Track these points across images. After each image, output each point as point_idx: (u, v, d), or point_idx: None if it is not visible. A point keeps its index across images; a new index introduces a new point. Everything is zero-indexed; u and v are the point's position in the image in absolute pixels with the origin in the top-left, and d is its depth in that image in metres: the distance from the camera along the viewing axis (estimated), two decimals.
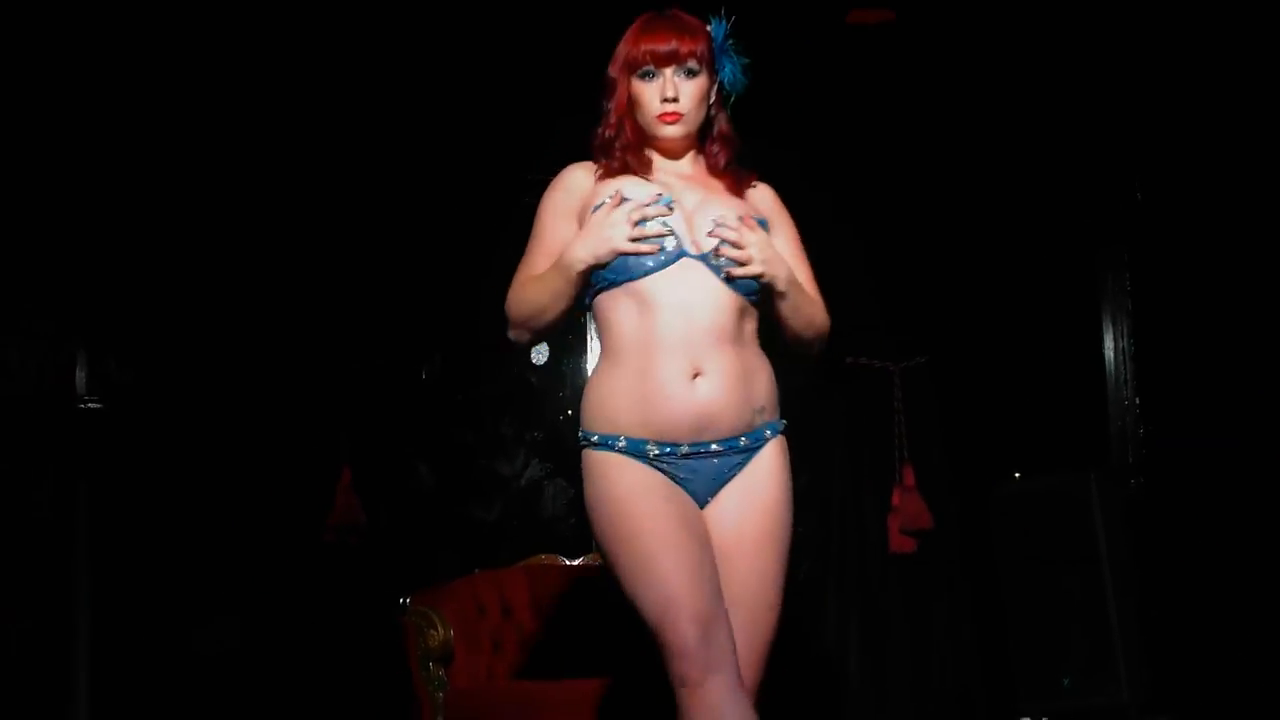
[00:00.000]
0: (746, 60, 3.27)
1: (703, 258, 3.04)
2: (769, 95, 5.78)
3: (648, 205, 3.03)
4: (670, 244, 3.04)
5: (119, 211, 5.78)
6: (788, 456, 3.18)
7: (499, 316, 5.88)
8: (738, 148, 3.29)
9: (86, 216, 5.65)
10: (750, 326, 3.13)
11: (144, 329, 5.86)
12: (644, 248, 3.00)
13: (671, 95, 3.13)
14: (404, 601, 5.28)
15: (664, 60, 3.12)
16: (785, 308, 3.14)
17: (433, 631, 5.14)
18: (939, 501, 6.04)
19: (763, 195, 3.31)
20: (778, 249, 3.15)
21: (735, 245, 3.03)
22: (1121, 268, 5.98)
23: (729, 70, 3.25)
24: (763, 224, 3.15)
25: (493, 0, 5.62)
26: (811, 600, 6.06)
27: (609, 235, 3.00)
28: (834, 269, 5.86)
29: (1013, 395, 6.02)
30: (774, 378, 3.17)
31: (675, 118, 3.15)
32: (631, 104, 3.18)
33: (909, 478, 6.03)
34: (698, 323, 3.02)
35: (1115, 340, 5.98)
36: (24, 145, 5.38)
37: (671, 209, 3.05)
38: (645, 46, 3.13)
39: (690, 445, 3.04)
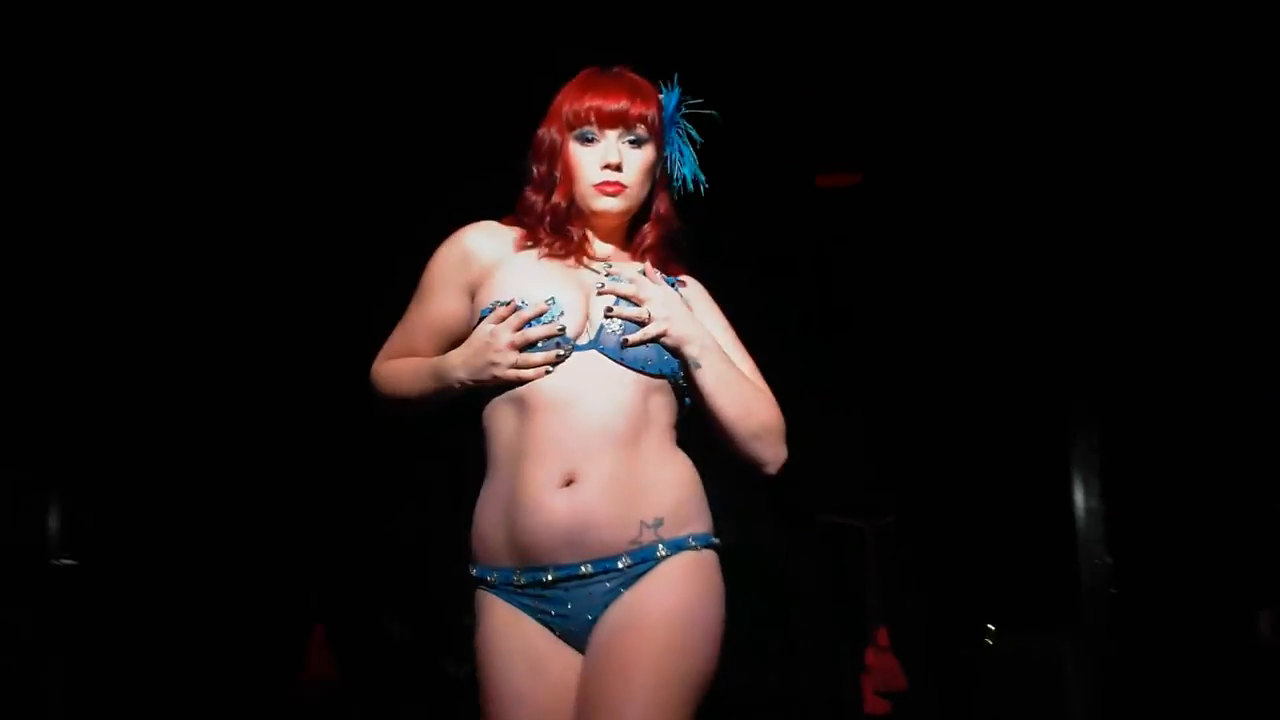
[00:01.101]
0: (698, 143, 2.79)
1: (593, 344, 2.57)
2: (740, 255, 5.95)
3: (535, 329, 2.54)
4: (565, 349, 2.55)
5: (95, 362, 5.81)
6: (705, 578, 2.55)
7: (472, 469, 5.89)
8: (673, 230, 2.77)
9: (63, 367, 5.67)
10: (659, 425, 2.59)
11: (117, 480, 5.87)
12: (528, 374, 2.53)
13: (615, 162, 2.65)
14: None
15: (610, 121, 2.67)
16: (708, 381, 2.60)
17: None
18: (913, 662, 6.01)
19: (690, 291, 2.76)
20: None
21: (632, 302, 2.58)
22: (1091, 428, 6.02)
23: (679, 149, 2.80)
24: (671, 283, 2.68)
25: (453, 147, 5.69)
26: None
27: (491, 360, 2.54)
28: (804, 429, 5.98)
29: (986, 555, 6.03)
30: (686, 482, 2.60)
31: (617, 189, 2.67)
32: (570, 168, 2.70)
33: (883, 638, 6.00)
34: (581, 423, 2.52)
35: (1086, 499, 6.01)
36: None
37: (563, 330, 2.54)
38: (590, 103, 2.67)
39: (556, 570, 2.50)
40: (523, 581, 2.52)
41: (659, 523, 2.51)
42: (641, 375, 2.57)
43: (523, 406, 2.54)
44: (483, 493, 2.59)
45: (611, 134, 2.65)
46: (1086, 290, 6.03)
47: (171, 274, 5.92)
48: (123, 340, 5.89)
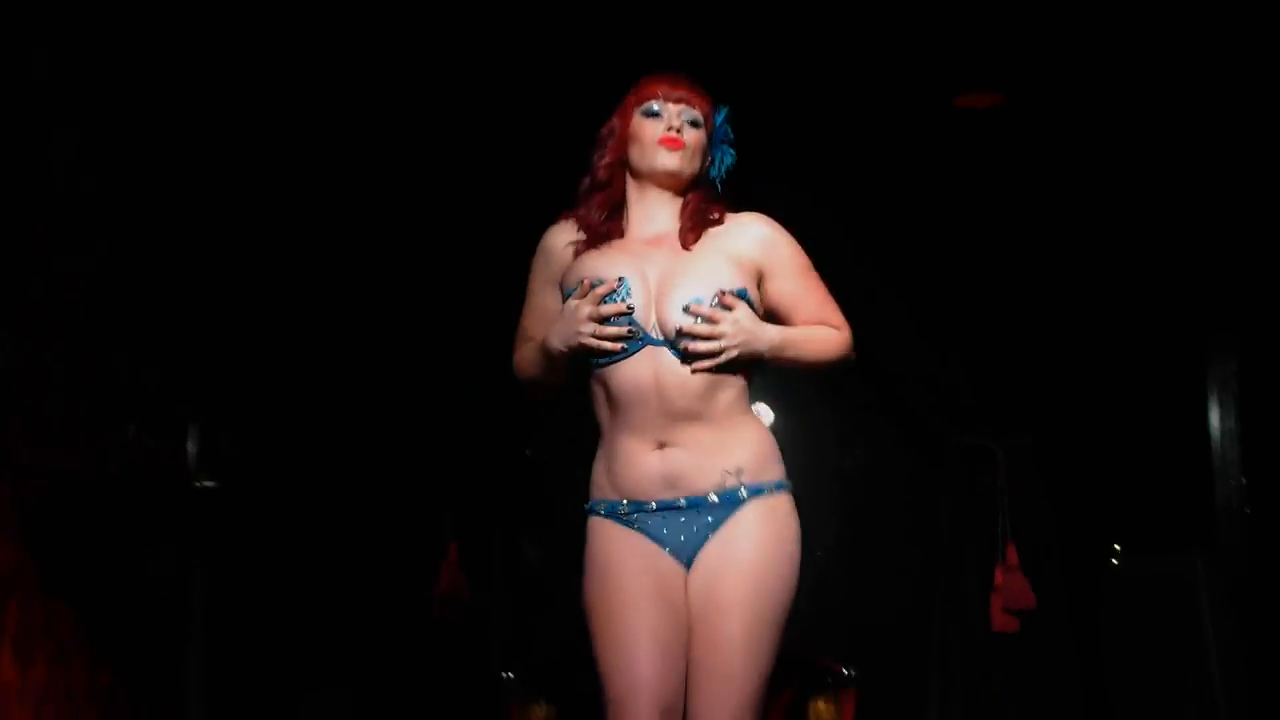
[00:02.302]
0: (732, 156, 3.28)
1: (666, 343, 3.06)
2: (877, 175, 5.88)
3: (606, 304, 3.06)
4: (637, 332, 3.06)
5: (231, 285, 5.83)
6: (780, 519, 3.10)
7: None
8: (709, 207, 3.23)
9: (195, 296, 5.70)
10: (726, 396, 3.10)
11: (254, 404, 5.91)
12: (607, 345, 3.05)
13: (677, 125, 3.17)
14: (507, 677, 5.29)
15: (674, 98, 3.20)
16: (781, 362, 3.16)
17: (535, 708, 5.15)
18: (1043, 580, 5.99)
19: (750, 231, 3.23)
20: (779, 289, 3.19)
21: (708, 336, 3.03)
22: (1229, 347, 5.93)
23: (718, 155, 3.28)
24: (742, 294, 3.10)
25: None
26: (912, 677, 6.03)
27: (576, 331, 3.06)
28: (942, 347, 5.93)
29: (1118, 475, 5.99)
30: (761, 440, 3.14)
31: (678, 144, 3.17)
32: (630, 142, 3.22)
33: (1012, 556, 5.98)
34: (661, 408, 3.04)
35: (1222, 419, 5.93)
36: (135, 224, 5.44)
37: (631, 309, 3.06)
38: (659, 86, 3.21)
39: (658, 502, 3.07)
40: (628, 509, 3.10)
41: (740, 470, 3.07)
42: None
43: (611, 392, 3.10)
44: (597, 454, 3.19)
45: (674, 108, 3.19)
46: (1229, 212, 5.92)
47: (305, 200, 5.94)
48: (260, 262, 5.92)
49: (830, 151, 5.67)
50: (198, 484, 5.51)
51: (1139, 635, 5.51)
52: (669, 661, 2.98)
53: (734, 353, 3.03)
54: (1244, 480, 5.91)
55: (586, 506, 3.19)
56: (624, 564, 3.07)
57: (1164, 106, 5.58)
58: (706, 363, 3.03)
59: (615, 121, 3.25)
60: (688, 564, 3.08)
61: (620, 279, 3.08)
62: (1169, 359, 6.04)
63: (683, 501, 3.05)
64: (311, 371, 6.07)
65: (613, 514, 3.12)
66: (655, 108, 3.19)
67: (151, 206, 5.27)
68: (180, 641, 5.40)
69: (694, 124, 3.19)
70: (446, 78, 5.50)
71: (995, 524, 6.07)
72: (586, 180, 3.25)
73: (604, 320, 3.05)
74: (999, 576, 5.99)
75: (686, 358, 3.04)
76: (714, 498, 3.05)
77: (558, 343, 3.12)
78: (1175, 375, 6.04)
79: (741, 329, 3.04)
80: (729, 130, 3.28)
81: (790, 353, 3.14)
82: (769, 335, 3.10)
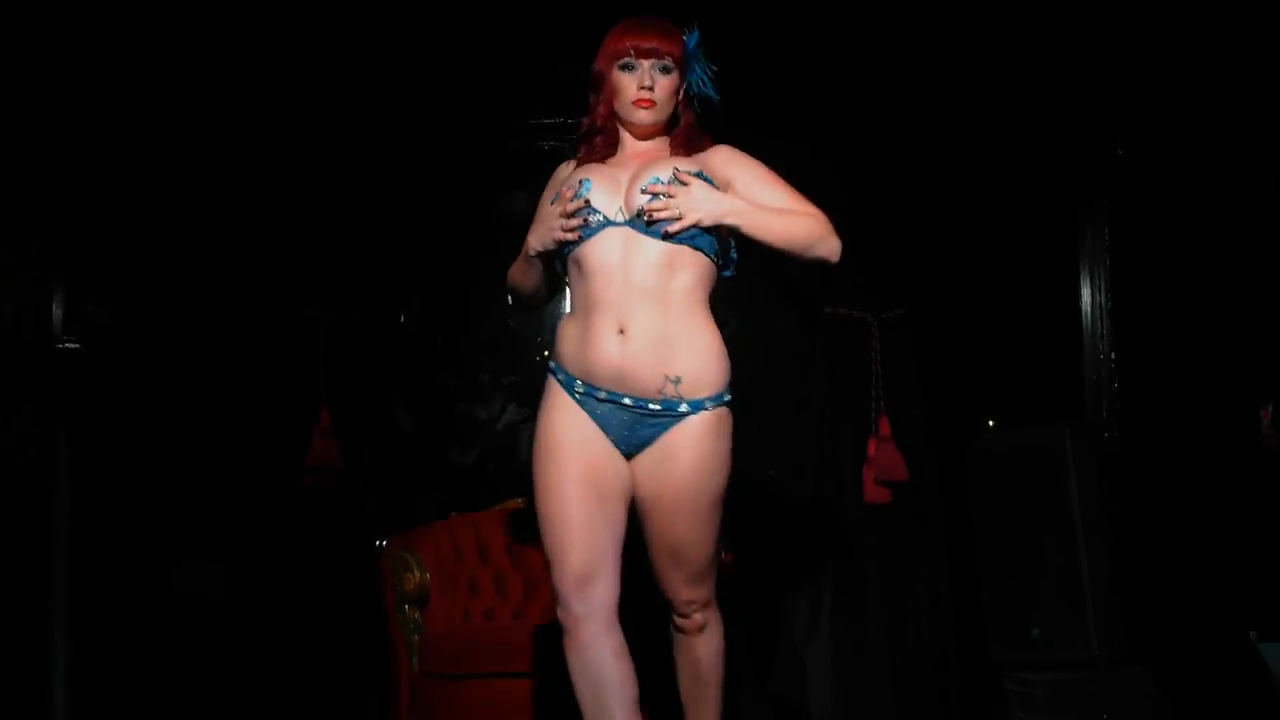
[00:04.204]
0: (714, 69, 3.75)
1: (629, 223, 3.51)
2: (749, 45, 5.83)
3: (569, 198, 3.53)
4: (595, 219, 3.50)
5: (97, 149, 5.74)
6: (717, 430, 3.52)
7: (478, 262, 5.93)
8: (697, 136, 3.70)
9: (64, 154, 5.60)
10: (683, 282, 3.51)
11: (122, 268, 5.83)
12: (568, 235, 3.51)
13: (648, 85, 3.60)
14: (380, 544, 5.30)
15: (644, 55, 3.59)
16: (754, 232, 3.51)
17: (409, 574, 5.18)
18: (914, 453, 6.05)
19: (719, 155, 3.67)
20: (748, 194, 3.56)
21: (666, 206, 3.44)
22: (1101, 223, 5.98)
23: (698, 75, 3.73)
24: (700, 174, 3.52)
25: None
26: (785, 547, 6.08)
27: (550, 227, 3.57)
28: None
29: (990, 348, 6.03)
30: (706, 348, 3.52)
31: (649, 104, 3.61)
32: (614, 93, 3.64)
33: (885, 428, 6.04)
34: (624, 282, 3.48)
35: (1093, 294, 5.99)
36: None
37: (588, 201, 3.51)
38: (629, 42, 3.60)
39: (608, 393, 3.49)
40: (582, 391, 3.53)
41: (678, 380, 3.46)
42: (665, 243, 3.48)
43: (582, 269, 3.54)
44: (566, 318, 3.63)
45: (646, 63, 3.61)
46: (1100, 84, 5.94)
47: (174, 61, 5.84)
48: (130, 121, 5.82)
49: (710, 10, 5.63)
50: (62, 345, 5.44)
51: (1007, 508, 5.55)
52: (589, 532, 3.46)
53: (694, 217, 3.43)
54: (1113, 355, 5.98)
55: (551, 364, 3.63)
56: (565, 443, 3.52)
57: None
58: (673, 227, 3.43)
59: (601, 68, 3.66)
60: (629, 455, 3.55)
61: (581, 180, 3.56)
62: (1042, 234, 6.08)
63: (627, 400, 3.48)
64: (182, 233, 5.98)
65: (568, 387, 3.56)
66: (630, 64, 3.60)
67: (12, 67, 5.17)
68: (44, 505, 5.33)
69: (665, 71, 3.62)
70: None
71: (868, 396, 6.13)
72: (587, 122, 3.70)
73: (568, 216, 3.51)
74: (872, 448, 6.06)
75: (650, 226, 3.47)
76: (655, 406, 3.48)
77: (534, 241, 3.65)
78: (1048, 251, 6.08)
79: (696, 199, 3.45)
80: (700, 55, 3.73)
81: (757, 220, 3.50)
82: (729, 202, 3.50)
